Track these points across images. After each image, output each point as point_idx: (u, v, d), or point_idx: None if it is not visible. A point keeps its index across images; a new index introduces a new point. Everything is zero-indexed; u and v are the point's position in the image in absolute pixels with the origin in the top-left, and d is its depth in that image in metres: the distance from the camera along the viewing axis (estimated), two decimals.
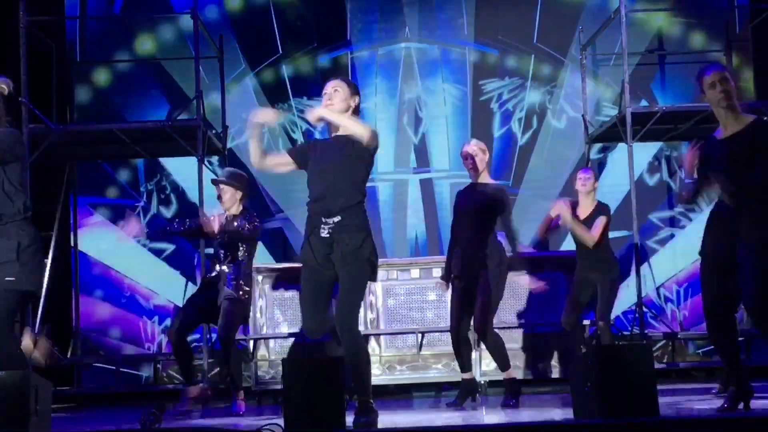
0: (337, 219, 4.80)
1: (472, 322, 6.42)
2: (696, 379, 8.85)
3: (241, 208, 6.70)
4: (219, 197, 6.77)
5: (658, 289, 9.70)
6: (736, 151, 4.65)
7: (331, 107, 4.94)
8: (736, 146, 4.66)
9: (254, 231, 6.58)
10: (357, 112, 5.01)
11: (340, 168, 4.84)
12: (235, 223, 6.53)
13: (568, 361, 7.46)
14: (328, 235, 4.80)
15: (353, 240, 4.79)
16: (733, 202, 4.67)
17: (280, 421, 4.40)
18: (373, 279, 4.94)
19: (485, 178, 6.59)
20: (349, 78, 9.82)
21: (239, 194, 6.71)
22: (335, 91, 4.96)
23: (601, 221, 7.04)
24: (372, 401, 4.82)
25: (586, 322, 7.72)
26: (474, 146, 6.60)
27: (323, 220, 4.82)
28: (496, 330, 6.47)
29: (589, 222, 7.09)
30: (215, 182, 6.86)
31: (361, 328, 8.00)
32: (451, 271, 6.55)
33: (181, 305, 9.55)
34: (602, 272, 7.02)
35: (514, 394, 6.37)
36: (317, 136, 9.89)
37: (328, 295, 4.96)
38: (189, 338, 6.84)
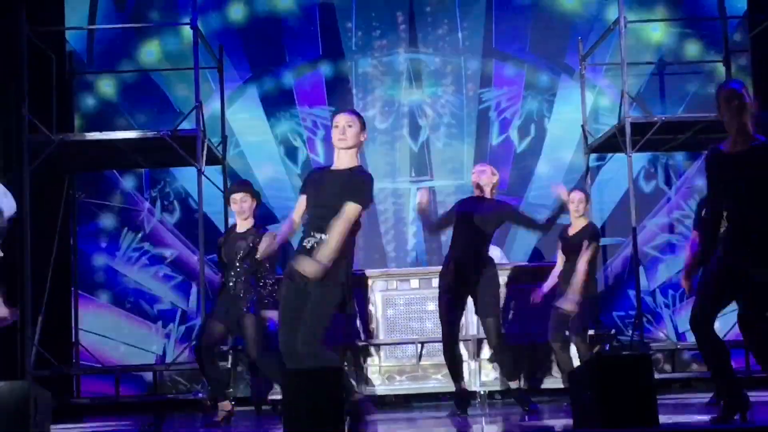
0: (322, 236, 4.79)
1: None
2: (694, 388, 8.85)
3: (252, 220, 6.54)
4: (235, 207, 6.52)
5: (653, 294, 9.71)
6: (742, 167, 4.69)
7: (345, 142, 4.92)
8: (743, 162, 4.70)
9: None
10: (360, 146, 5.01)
11: (333, 198, 4.83)
12: (257, 241, 6.25)
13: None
14: (310, 247, 4.79)
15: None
16: (735, 216, 4.70)
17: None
18: (342, 310, 4.84)
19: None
20: (353, 89, 9.99)
21: (254, 203, 6.59)
22: (349, 126, 4.93)
23: (591, 249, 6.97)
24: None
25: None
26: (488, 172, 6.66)
27: (311, 233, 4.84)
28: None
29: (576, 238, 7.09)
30: (239, 190, 6.61)
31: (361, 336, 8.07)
32: (443, 278, 6.66)
33: (185, 309, 9.61)
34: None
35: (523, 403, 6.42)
36: (318, 142, 9.95)
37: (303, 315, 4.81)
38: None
